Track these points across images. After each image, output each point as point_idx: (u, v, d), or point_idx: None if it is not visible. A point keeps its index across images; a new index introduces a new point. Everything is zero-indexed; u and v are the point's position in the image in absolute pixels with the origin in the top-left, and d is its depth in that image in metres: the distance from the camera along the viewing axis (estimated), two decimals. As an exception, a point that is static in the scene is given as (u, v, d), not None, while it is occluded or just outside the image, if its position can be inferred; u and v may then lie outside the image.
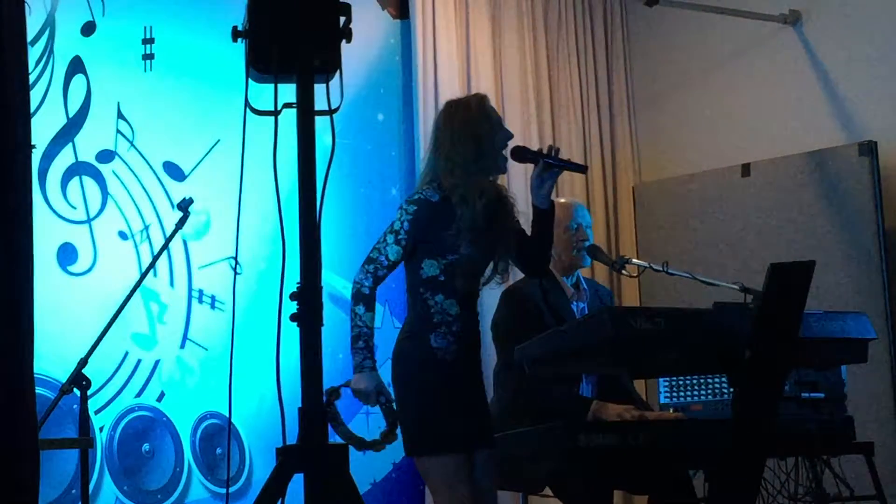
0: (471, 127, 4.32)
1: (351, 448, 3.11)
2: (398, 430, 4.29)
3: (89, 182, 5.90)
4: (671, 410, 5.12)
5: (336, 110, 3.07)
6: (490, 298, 5.18)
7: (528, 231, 4.48)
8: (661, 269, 5.02)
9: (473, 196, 4.26)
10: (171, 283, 6.06)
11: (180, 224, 5.05)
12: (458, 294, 4.31)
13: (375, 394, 4.20)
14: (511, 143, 4.32)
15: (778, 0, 7.00)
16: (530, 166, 4.40)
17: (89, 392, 4.70)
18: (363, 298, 4.25)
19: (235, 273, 5.53)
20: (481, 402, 4.48)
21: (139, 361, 5.90)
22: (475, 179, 4.29)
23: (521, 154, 4.39)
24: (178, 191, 5.98)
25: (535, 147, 4.47)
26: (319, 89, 3.06)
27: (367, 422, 5.99)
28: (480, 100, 4.44)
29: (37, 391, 2.56)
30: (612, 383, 5.05)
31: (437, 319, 4.29)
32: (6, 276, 2.42)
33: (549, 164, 4.31)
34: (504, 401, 4.97)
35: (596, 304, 5.15)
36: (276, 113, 3.07)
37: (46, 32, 5.85)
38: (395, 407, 4.27)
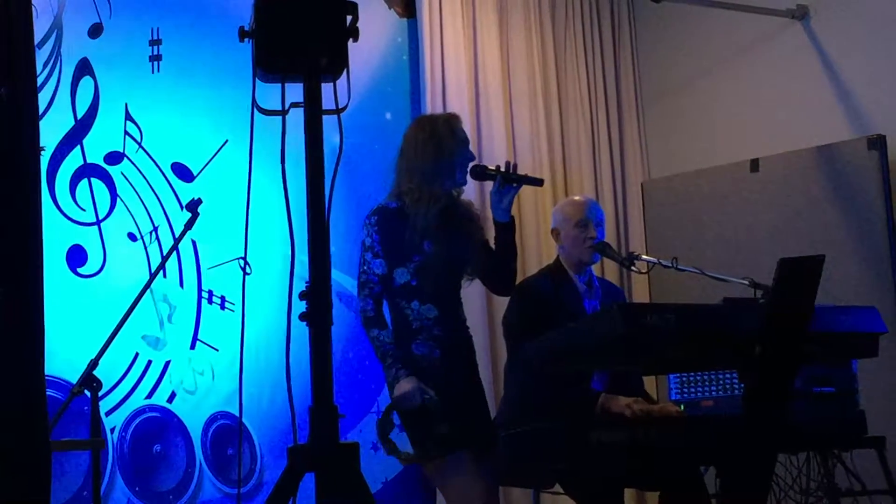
0: (435, 140, 4.51)
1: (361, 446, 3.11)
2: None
3: (98, 184, 5.91)
4: (681, 407, 5.12)
5: (343, 109, 3.07)
6: (502, 298, 5.20)
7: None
8: (670, 265, 5.02)
9: (426, 200, 4.42)
10: (181, 284, 6.07)
11: (189, 225, 5.04)
12: (434, 297, 4.40)
13: (419, 394, 4.26)
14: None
15: (785, -5, 7.01)
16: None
17: (100, 393, 4.70)
18: (372, 321, 4.40)
19: (245, 273, 5.52)
20: (477, 403, 4.52)
21: (150, 362, 5.91)
22: (430, 187, 4.46)
23: (480, 172, 4.61)
24: (187, 191, 5.98)
25: (493, 165, 4.69)
26: (327, 89, 3.06)
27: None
28: (449, 118, 4.64)
29: (48, 393, 2.56)
30: (623, 379, 5.05)
31: (416, 326, 4.41)
32: (16, 279, 2.42)
33: (505, 180, 4.51)
34: (514, 397, 4.97)
35: (608, 303, 5.15)
36: (283, 112, 3.07)
37: (54, 35, 5.86)
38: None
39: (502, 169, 4.54)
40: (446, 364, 4.40)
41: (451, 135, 4.51)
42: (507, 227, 4.56)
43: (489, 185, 4.63)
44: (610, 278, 6.98)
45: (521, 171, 4.65)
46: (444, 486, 4.48)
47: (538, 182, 4.67)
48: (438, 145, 4.49)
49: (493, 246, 4.64)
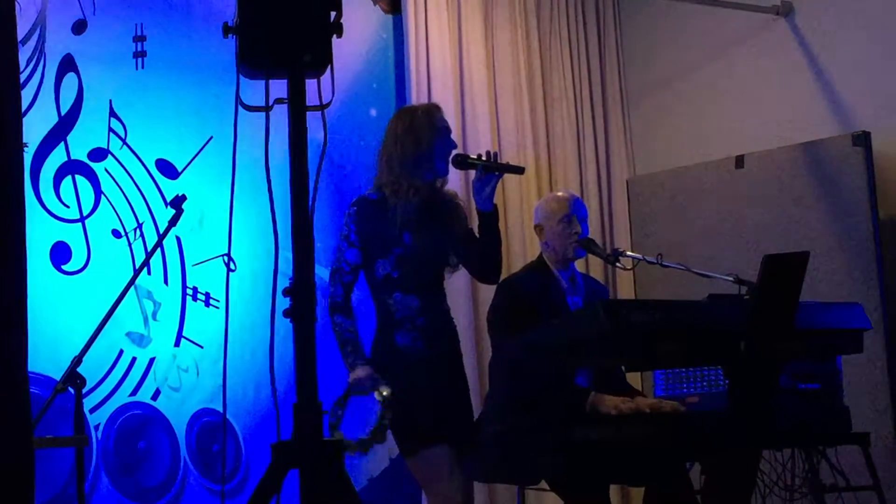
0: (413, 131, 4.51)
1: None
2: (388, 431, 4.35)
3: (82, 181, 5.89)
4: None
5: (327, 105, 3.07)
6: (487, 292, 5.21)
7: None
8: (655, 261, 5.02)
9: (406, 191, 4.43)
10: (165, 281, 6.05)
11: (173, 221, 5.04)
12: (416, 288, 4.42)
13: (371, 382, 4.27)
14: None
15: (770, -9, 7.01)
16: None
17: (84, 390, 4.69)
18: (338, 308, 4.44)
19: (229, 270, 5.52)
20: (460, 396, 4.54)
21: (134, 359, 5.90)
22: (410, 179, 4.46)
23: (462, 161, 4.60)
24: (171, 188, 5.97)
25: (475, 153, 4.70)
26: (311, 85, 3.05)
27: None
28: (429, 108, 4.65)
29: (31, 390, 2.55)
30: (607, 375, 5.05)
31: (399, 316, 4.44)
32: (-1, 275, 2.41)
33: (487, 168, 4.49)
34: (499, 393, 4.97)
35: (591, 299, 5.15)
36: (267, 109, 3.06)
37: (37, 31, 5.84)
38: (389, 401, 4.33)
39: (483, 158, 4.53)
40: (429, 354, 4.41)
41: (430, 125, 4.51)
42: (490, 216, 4.56)
43: (473, 174, 4.62)
44: (595, 275, 6.98)
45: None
46: (424, 480, 4.49)
47: (519, 170, 4.68)
48: (417, 136, 4.50)
49: (477, 235, 4.64)
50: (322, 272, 6.07)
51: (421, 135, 4.49)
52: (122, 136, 6.01)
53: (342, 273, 4.45)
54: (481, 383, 6.28)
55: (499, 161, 4.55)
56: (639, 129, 7.77)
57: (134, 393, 5.89)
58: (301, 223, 2.96)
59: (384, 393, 4.27)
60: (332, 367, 6.10)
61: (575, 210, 5.15)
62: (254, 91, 3.11)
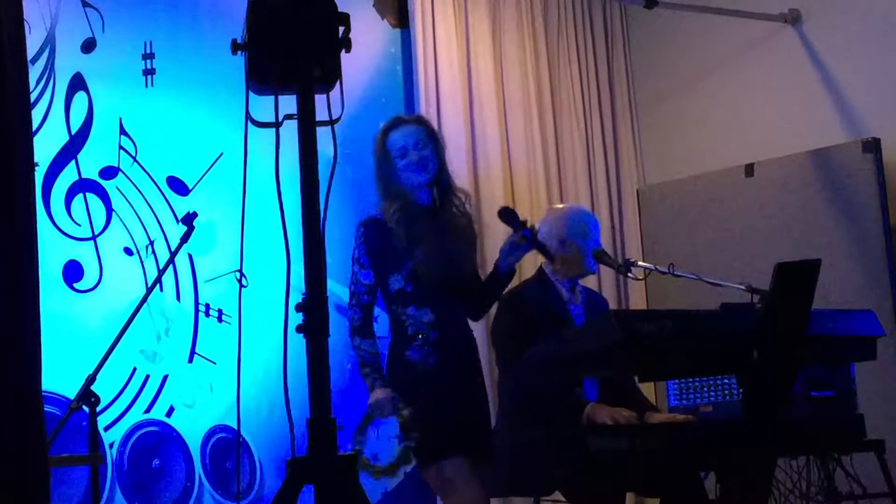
0: (377, 158, 4.64)
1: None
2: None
3: (93, 198, 5.90)
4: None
5: (337, 120, 3.07)
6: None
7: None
8: (667, 271, 5.01)
9: (398, 212, 4.49)
10: (178, 298, 6.06)
11: (185, 238, 5.04)
12: (430, 301, 4.42)
13: (391, 404, 4.31)
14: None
15: (778, -1, 7.01)
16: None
17: (98, 408, 4.70)
18: (357, 331, 4.48)
19: (241, 286, 5.51)
20: (477, 407, 4.54)
21: (147, 377, 5.91)
22: (396, 201, 4.52)
23: (508, 217, 4.59)
24: (183, 205, 5.98)
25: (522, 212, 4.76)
26: (320, 100, 3.05)
27: (376, 435, 6.03)
28: (382, 130, 4.71)
29: (45, 409, 2.56)
30: (621, 388, 5.04)
31: (412, 331, 4.46)
32: (11, 294, 2.42)
33: (525, 237, 4.48)
34: (508, 408, 4.97)
35: (591, 309, 5.14)
36: (277, 125, 3.06)
37: (47, 50, 5.86)
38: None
39: (528, 225, 4.53)
40: (442, 369, 4.42)
41: (383, 150, 4.62)
42: (505, 278, 4.65)
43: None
44: (606, 285, 6.99)
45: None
46: (441, 491, 4.50)
47: (548, 255, 4.67)
48: (379, 162, 4.61)
49: (476, 265, 4.69)
50: (334, 287, 6.08)
51: (381, 162, 4.61)
52: (133, 154, 6.03)
53: (359, 296, 4.51)
54: (496, 391, 6.27)
55: (536, 237, 4.56)
56: (648, 139, 7.76)
57: (148, 410, 5.89)
58: (312, 238, 2.96)
59: (404, 413, 4.32)
60: (347, 383, 6.11)
61: (572, 235, 5.12)
62: (263, 107, 3.12)
